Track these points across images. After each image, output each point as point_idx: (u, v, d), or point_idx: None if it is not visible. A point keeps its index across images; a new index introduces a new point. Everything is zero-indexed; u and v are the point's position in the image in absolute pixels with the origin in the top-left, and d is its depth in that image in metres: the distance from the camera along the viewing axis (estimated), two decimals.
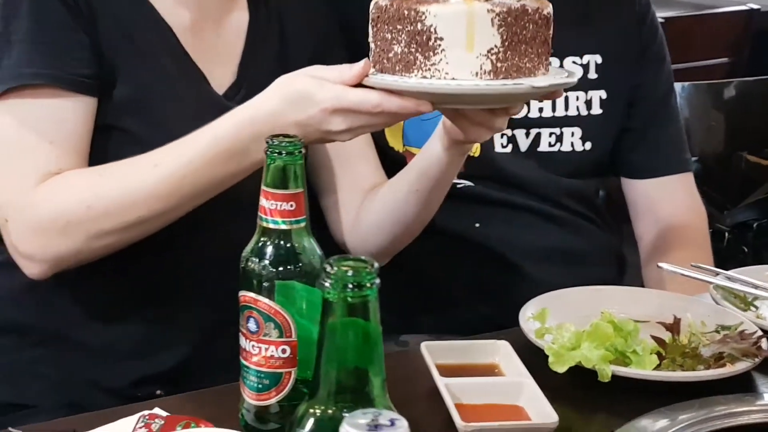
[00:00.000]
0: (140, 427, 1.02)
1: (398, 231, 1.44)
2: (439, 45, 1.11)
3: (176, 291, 1.38)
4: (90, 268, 1.30)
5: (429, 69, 1.11)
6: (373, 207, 1.44)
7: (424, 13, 1.11)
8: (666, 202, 1.71)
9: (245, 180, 1.23)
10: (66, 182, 1.26)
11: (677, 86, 2.42)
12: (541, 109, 1.61)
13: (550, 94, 1.19)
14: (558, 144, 1.62)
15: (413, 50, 1.12)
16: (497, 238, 1.61)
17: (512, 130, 1.60)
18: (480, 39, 1.11)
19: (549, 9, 1.17)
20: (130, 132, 1.32)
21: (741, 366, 1.21)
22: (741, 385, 1.21)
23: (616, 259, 1.74)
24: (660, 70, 1.71)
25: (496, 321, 1.36)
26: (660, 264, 1.48)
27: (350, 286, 0.68)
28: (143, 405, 1.10)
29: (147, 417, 1.03)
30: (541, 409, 1.09)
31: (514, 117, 1.22)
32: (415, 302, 1.62)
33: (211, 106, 1.32)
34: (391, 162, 1.51)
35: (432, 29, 1.11)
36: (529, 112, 1.60)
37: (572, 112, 1.62)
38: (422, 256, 1.56)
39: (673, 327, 1.26)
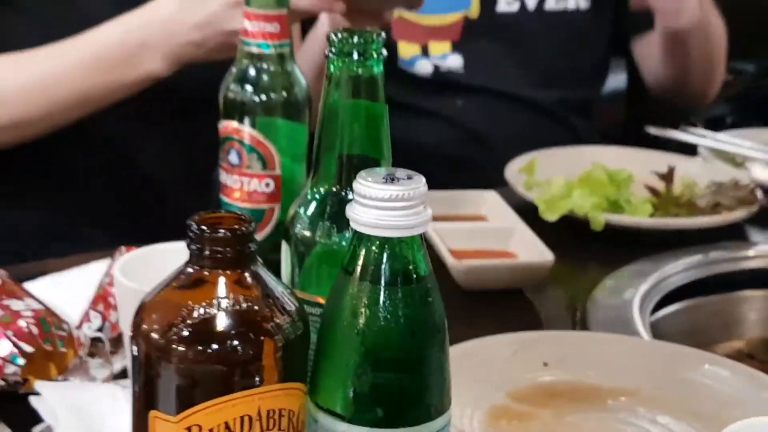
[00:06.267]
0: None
1: None
2: None
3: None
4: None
5: None
6: None
7: None
8: None
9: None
10: None
11: None
12: None
13: None
14: (563, 3, 1.55)
15: None
16: (479, 120, 1.55)
17: None
18: None
19: None
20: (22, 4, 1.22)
21: (738, 214, 1.17)
22: (736, 236, 1.18)
23: None
24: None
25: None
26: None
27: (356, 55, 0.62)
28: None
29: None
30: (534, 250, 1.05)
31: None
32: None
33: None
34: None
35: None
36: None
37: None
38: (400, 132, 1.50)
39: (667, 176, 1.21)
